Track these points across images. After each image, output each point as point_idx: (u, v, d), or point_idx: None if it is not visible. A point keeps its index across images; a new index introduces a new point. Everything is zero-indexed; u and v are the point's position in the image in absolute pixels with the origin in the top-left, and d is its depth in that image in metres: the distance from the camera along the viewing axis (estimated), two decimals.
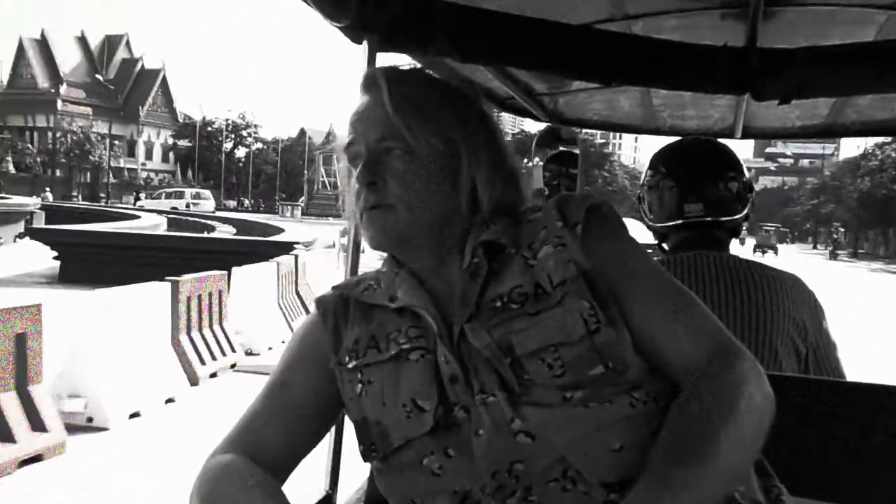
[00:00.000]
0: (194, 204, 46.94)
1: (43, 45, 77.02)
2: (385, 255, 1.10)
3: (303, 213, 57.75)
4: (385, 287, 1.07)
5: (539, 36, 1.72)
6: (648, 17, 1.96)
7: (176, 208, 41.34)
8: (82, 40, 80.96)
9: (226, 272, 7.66)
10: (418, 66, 1.16)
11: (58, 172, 70.94)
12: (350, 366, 1.04)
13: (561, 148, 2.93)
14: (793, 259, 38.37)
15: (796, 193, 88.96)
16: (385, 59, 1.51)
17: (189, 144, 78.23)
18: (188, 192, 51.37)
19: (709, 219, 1.81)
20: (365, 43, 1.50)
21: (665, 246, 1.95)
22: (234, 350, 7.40)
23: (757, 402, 0.90)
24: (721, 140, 2.12)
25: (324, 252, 17.64)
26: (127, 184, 71.79)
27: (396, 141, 1.01)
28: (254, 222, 28.09)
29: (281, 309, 8.87)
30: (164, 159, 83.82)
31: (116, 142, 77.68)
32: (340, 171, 1.10)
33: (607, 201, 1.07)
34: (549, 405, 0.91)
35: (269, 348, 7.98)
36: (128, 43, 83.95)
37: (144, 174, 79.70)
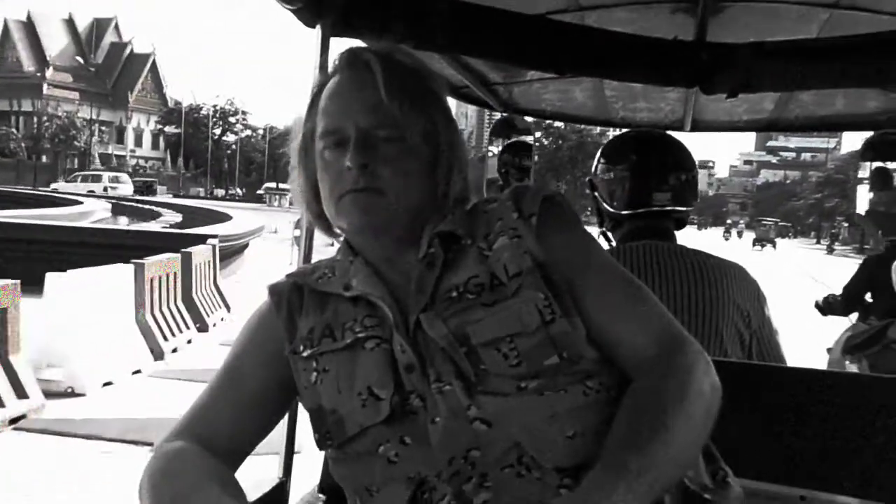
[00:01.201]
0: (112, 188, 45.06)
1: (29, 27, 74.62)
2: (337, 244, 1.10)
3: (290, 203, 55.92)
4: (339, 275, 1.06)
5: (494, 25, 1.74)
6: (601, 8, 1.98)
7: (93, 192, 39.33)
8: (70, 23, 78.39)
9: (178, 255, 8.07)
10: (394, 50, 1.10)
11: (44, 158, 69.32)
12: (305, 354, 1.04)
13: (515, 138, 2.88)
14: (791, 253, 37.50)
15: (799, 187, 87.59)
16: (339, 45, 1.48)
17: (177, 131, 76.48)
18: (105, 175, 49.36)
19: (677, 208, 1.86)
20: (318, 27, 1.48)
21: (611, 235, 1.98)
22: (188, 327, 7.90)
23: (705, 390, 0.93)
24: (670, 133, 2.21)
25: (274, 243, 16.16)
26: (115, 170, 70.21)
27: (389, 127, 1.00)
28: (199, 209, 26.58)
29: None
30: (154, 146, 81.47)
31: (104, 128, 75.95)
32: (294, 150, 1.07)
33: (561, 193, 1.10)
34: (505, 394, 0.93)
35: (107, 384, 6.20)
36: (116, 26, 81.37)
37: (134, 161, 77.94)
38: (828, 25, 1.94)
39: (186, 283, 8.19)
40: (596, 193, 1.98)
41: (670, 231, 1.89)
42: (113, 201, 28.92)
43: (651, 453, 0.85)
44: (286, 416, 1.31)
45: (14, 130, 69.80)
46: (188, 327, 7.98)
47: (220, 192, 69.98)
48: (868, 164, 2.56)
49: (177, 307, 7.83)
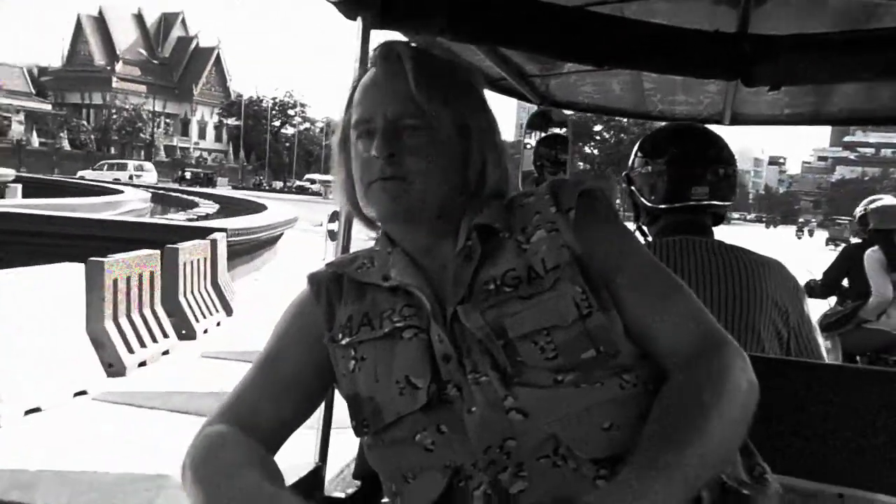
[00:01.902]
0: (137, 176, 45.21)
1: (100, 22, 76.99)
2: (377, 235, 1.12)
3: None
4: (378, 266, 1.08)
5: (532, 17, 1.74)
6: (641, 0, 1.93)
7: (118, 180, 38.98)
8: (139, 18, 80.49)
9: (157, 251, 6.82)
10: (432, 49, 1.12)
11: (112, 150, 71.24)
12: (343, 342, 1.05)
13: (551, 130, 2.83)
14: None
15: (879, 185, 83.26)
16: (379, 37, 1.49)
17: (237, 123, 77.50)
18: (131, 164, 49.67)
19: (714, 202, 1.84)
20: (359, 20, 1.49)
21: (647, 229, 1.96)
22: (166, 335, 6.71)
23: (742, 388, 0.93)
24: (709, 126, 2.11)
25: (312, 235, 15.36)
26: (179, 162, 71.62)
27: (417, 118, 1.01)
28: (237, 199, 26.07)
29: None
30: (218, 138, 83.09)
31: (169, 120, 77.64)
32: (335, 143, 1.09)
33: (600, 187, 1.08)
34: (541, 386, 0.93)
35: (32, 410, 4.90)
36: (183, 21, 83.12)
37: (197, 153, 79.44)
38: (875, 16, 1.86)
39: (169, 283, 7.04)
40: (633, 188, 1.97)
41: (707, 226, 1.87)
42: (152, 191, 28.88)
43: (688, 450, 0.85)
44: (322, 402, 1.31)
45: (84, 123, 72.01)
46: (166, 335, 6.76)
47: (279, 184, 70.51)
48: None
49: (153, 312, 6.65)
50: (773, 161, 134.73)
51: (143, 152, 68.72)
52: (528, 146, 2.80)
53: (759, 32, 1.84)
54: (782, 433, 1.47)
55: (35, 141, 68.39)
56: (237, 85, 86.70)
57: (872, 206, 4.55)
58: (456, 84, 1.06)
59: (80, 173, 45.04)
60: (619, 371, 0.95)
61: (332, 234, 14.30)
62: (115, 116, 70.97)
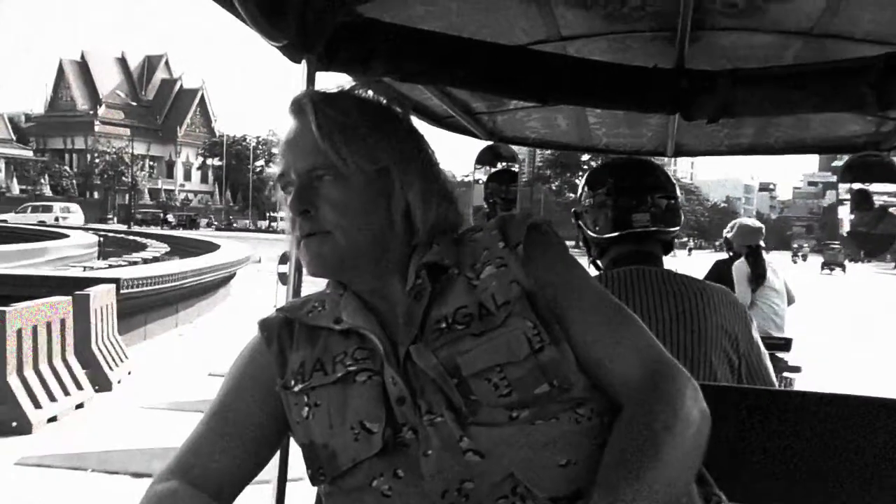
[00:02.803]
0: (63, 218, 44.47)
1: (83, 66, 76.22)
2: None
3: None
4: (330, 309, 1.06)
5: (476, 56, 1.76)
6: (582, 38, 1.99)
7: (43, 222, 38.53)
8: (122, 61, 79.77)
9: (68, 297, 6.36)
10: (348, 87, 1.11)
11: (95, 195, 70.36)
12: (296, 389, 1.03)
13: (500, 165, 2.86)
14: (863, 278, 34.78)
15: None
16: (324, 79, 1.51)
17: (220, 163, 76.75)
18: (56, 205, 48.95)
19: (653, 229, 1.87)
20: (304, 63, 1.50)
21: (599, 262, 1.99)
22: (80, 387, 6.21)
23: (694, 416, 0.93)
24: (653, 158, 2.32)
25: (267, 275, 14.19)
26: (163, 205, 70.69)
27: (327, 168, 1.00)
28: (189, 240, 25.65)
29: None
30: (203, 180, 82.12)
31: (153, 163, 76.83)
32: (279, 199, 1.07)
33: (548, 220, 1.08)
34: (497, 424, 0.92)
35: None
36: (167, 63, 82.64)
37: (183, 195, 78.58)
38: (803, 52, 1.98)
39: (81, 331, 6.51)
40: (580, 223, 2.00)
41: (656, 255, 1.90)
42: (102, 234, 27.93)
43: (644, 481, 0.85)
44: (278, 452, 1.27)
45: (67, 168, 71.20)
46: (80, 387, 6.22)
47: (264, 223, 69.55)
48: (847, 185, 2.52)
49: (65, 362, 6.12)
50: (764, 187, 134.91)
51: (126, 196, 67.83)
52: (479, 181, 2.82)
53: (696, 68, 1.92)
54: (737, 461, 1.48)
55: (15, 188, 67.45)
56: (223, 125, 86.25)
57: (734, 229, 4.92)
58: (371, 123, 1.03)
59: (2, 216, 43.49)
60: (573, 405, 0.95)
61: (282, 278, 13.00)
62: (97, 161, 70.12)
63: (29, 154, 71.21)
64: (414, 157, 1.05)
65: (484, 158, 2.83)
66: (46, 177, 69.32)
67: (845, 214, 2.53)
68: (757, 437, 1.53)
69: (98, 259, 19.29)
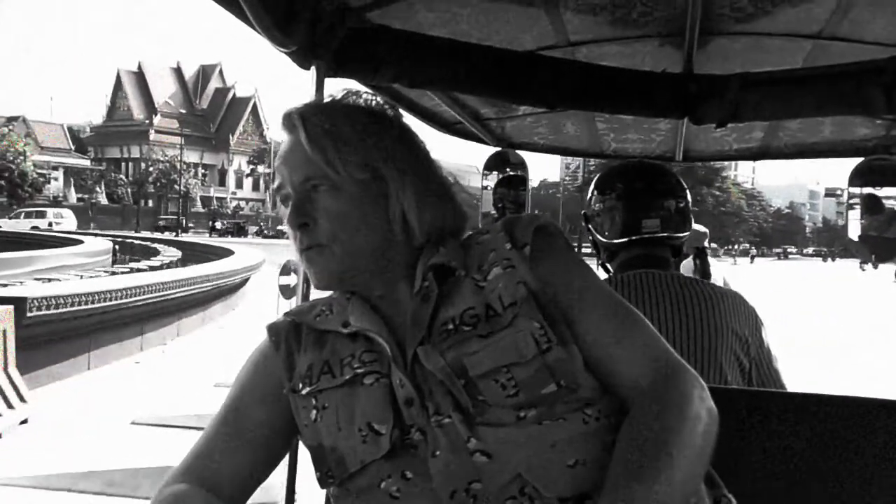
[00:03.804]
0: (56, 223, 44.96)
1: (139, 77, 77.94)
2: None
3: None
4: (337, 313, 1.06)
5: (485, 62, 1.75)
6: (591, 44, 1.99)
7: (37, 227, 38.64)
8: (177, 71, 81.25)
9: (11, 307, 5.77)
10: (339, 96, 1.12)
11: (149, 202, 71.44)
12: (304, 392, 1.03)
13: (509, 172, 2.86)
14: None
15: None
16: (334, 84, 1.50)
17: (268, 171, 76.99)
18: (50, 211, 49.46)
19: (664, 234, 1.86)
20: (313, 69, 1.50)
21: (609, 266, 1.98)
22: (24, 400, 5.65)
23: (702, 417, 0.93)
24: (663, 163, 2.29)
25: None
26: (215, 212, 71.32)
27: (320, 179, 1.01)
28: (204, 246, 24.90)
29: None
30: (255, 187, 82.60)
31: (205, 171, 77.71)
32: (280, 213, 1.08)
33: (554, 222, 1.08)
34: (504, 424, 0.92)
35: None
36: (221, 72, 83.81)
37: (234, 203, 79.26)
38: (811, 55, 1.97)
39: None
40: (590, 226, 1.99)
41: (666, 259, 1.88)
42: (119, 240, 27.73)
43: (654, 482, 0.84)
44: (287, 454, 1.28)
45: (122, 177, 72.52)
46: (24, 400, 5.58)
47: None
48: (857, 189, 2.47)
49: (6, 375, 5.47)
50: (830, 193, 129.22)
51: (179, 203, 68.66)
52: (487, 188, 2.81)
53: (704, 72, 1.92)
54: (747, 463, 1.47)
55: (73, 196, 68.97)
56: (275, 133, 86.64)
57: None
58: (361, 129, 1.03)
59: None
60: (581, 405, 0.95)
61: (284, 291, 11.66)
62: (150, 169, 71.17)
63: (86, 163, 72.79)
64: (407, 161, 1.04)
65: (492, 165, 2.81)
66: (102, 185, 70.74)
67: (855, 219, 2.48)
68: (767, 440, 1.52)
69: (112, 265, 19.04)
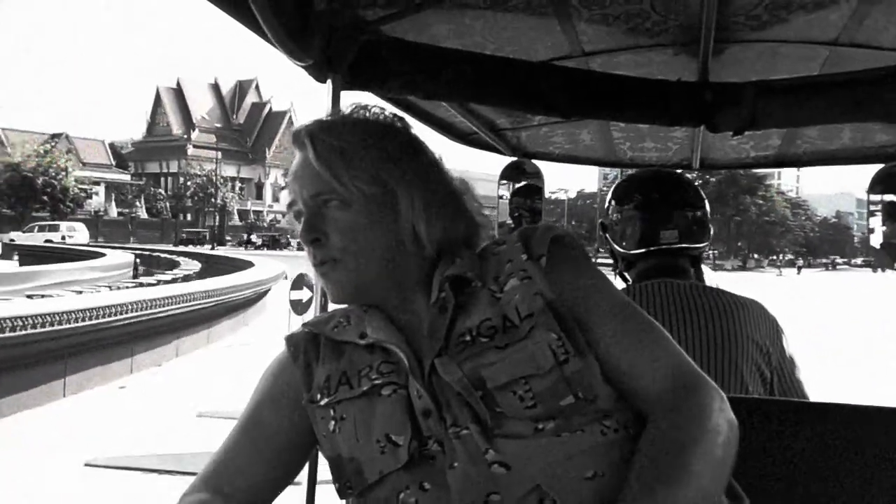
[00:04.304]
0: (69, 236, 45.63)
1: (178, 93, 79.20)
2: None
3: None
4: (354, 324, 1.07)
5: (500, 73, 1.75)
6: (605, 53, 1.98)
7: (50, 241, 38.83)
8: (215, 87, 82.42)
9: None
10: (348, 111, 1.12)
11: (188, 216, 72.09)
12: (322, 403, 1.03)
13: (525, 181, 2.84)
14: None
15: None
16: (350, 97, 1.48)
17: None
18: (63, 224, 49.73)
19: (682, 245, 1.85)
20: (329, 81, 1.51)
21: (627, 275, 1.96)
22: None
23: (722, 427, 0.92)
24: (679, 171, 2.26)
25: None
26: (251, 226, 71.65)
27: (330, 194, 1.02)
28: (224, 258, 24.41)
29: None
30: None
31: (242, 185, 78.35)
32: (295, 231, 1.09)
33: (570, 232, 1.10)
34: (522, 436, 0.92)
35: None
36: (257, 87, 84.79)
37: (271, 216, 79.67)
38: (829, 62, 1.94)
39: None
40: (607, 235, 1.98)
41: (685, 269, 1.86)
42: (138, 252, 27.57)
43: (673, 494, 0.84)
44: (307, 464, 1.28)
45: (161, 191, 73.42)
46: None
47: None
48: (878, 196, 2.43)
49: None
50: None
51: (216, 217, 69.09)
52: (503, 198, 2.77)
53: (720, 80, 1.89)
54: (768, 474, 1.45)
55: (113, 211, 69.94)
56: None
57: None
58: (368, 144, 1.03)
59: (11, 235, 44.29)
60: (598, 417, 0.94)
61: (296, 306, 10.91)
62: (188, 184, 71.90)
63: (126, 178, 73.93)
64: (416, 172, 1.04)
65: (508, 174, 2.79)
66: (142, 200, 71.66)
67: (877, 226, 2.43)
68: (790, 451, 1.49)
69: (133, 278, 18.80)
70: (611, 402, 0.95)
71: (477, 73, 1.71)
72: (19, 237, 42.78)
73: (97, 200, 68.62)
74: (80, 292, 11.18)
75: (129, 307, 7.71)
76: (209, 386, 7.68)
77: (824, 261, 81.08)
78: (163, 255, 27.06)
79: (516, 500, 0.88)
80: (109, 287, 14.45)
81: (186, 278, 15.48)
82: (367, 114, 1.09)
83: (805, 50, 1.90)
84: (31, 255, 23.76)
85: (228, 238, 64.82)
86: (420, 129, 1.12)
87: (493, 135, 2.56)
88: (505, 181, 2.79)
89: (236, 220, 72.13)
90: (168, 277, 15.66)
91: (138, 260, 22.43)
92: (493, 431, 0.91)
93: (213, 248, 47.64)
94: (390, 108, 1.12)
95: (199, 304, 9.75)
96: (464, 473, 0.90)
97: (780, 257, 70.22)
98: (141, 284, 13.25)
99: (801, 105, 1.78)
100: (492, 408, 0.92)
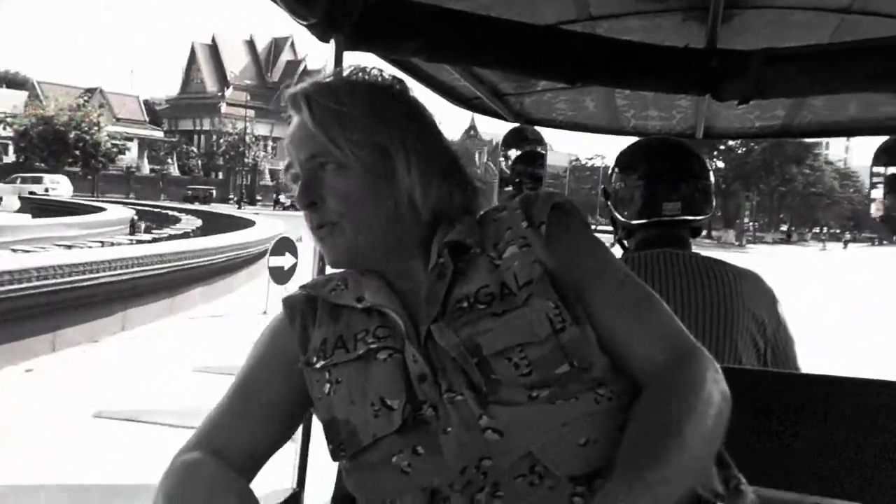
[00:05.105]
0: (52, 189, 44.56)
1: (213, 49, 78.41)
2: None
3: None
4: (352, 287, 1.07)
5: (505, 36, 1.73)
6: (612, 18, 1.96)
7: (34, 193, 37.96)
8: (250, 44, 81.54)
9: None
10: (345, 73, 1.12)
11: (219, 174, 71.83)
12: (318, 365, 1.04)
13: (527, 148, 2.84)
14: None
15: None
16: (352, 58, 1.50)
17: None
18: (46, 177, 48.55)
19: (686, 217, 1.83)
20: (332, 41, 1.50)
21: (626, 243, 1.95)
22: None
23: (715, 398, 0.93)
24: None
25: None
26: (281, 186, 71.17)
27: (326, 157, 1.01)
28: (224, 216, 23.94)
29: None
30: None
31: (274, 144, 77.78)
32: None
33: (570, 200, 1.07)
34: (516, 403, 0.92)
35: None
36: (292, 45, 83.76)
37: None
38: (839, 31, 1.92)
39: None
40: (609, 203, 1.96)
41: (684, 239, 1.85)
42: (139, 207, 26.94)
43: (665, 462, 0.85)
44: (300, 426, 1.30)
45: (193, 149, 73.13)
46: None
47: None
48: (882, 168, 2.42)
49: None
50: None
51: (247, 176, 68.63)
52: (504, 164, 2.75)
53: (728, 48, 1.86)
54: (758, 444, 1.46)
55: (146, 167, 69.86)
56: None
57: None
58: (367, 109, 1.02)
59: (31, 187, 43.61)
60: (593, 385, 0.94)
61: (277, 275, 9.75)
62: (220, 142, 71.46)
63: (159, 135, 73.72)
64: (414, 137, 1.04)
65: (510, 141, 2.77)
66: (174, 157, 71.44)
67: (879, 198, 2.42)
68: (779, 421, 1.51)
69: (129, 234, 17.94)
70: (606, 371, 0.96)
71: (482, 35, 1.69)
72: (2, 189, 40.75)
73: (130, 157, 68.45)
74: (71, 247, 10.27)
75: (55, 271, 6.57)
76: (107, 382, 6.22)
77: (871, 235, 77.89)
78: (163, 212, 26.29)
79: (509, 465, 0.90)
80: (102, 243, 13.74)
81: (180, 237, 14.63)
82: (366, 76, 1.08)
83: (816, 18, 1.87)
84: (44, 210, 23.64)
85: (259, 197, 64.32)
86: (422, 93, 1.12)
87: (495, 100, 2.54)
88: (506, 147, 2.77)
89: (267, 180, 71.66)
90: (146, 237, 14.68)
91: (135, 217, 21.68)
92: (487, 398, 0.92)
93: (239, 208, 46.99)
94: (390, 71, 1.11)
95: (150, 269, 8.05)
96: (457, 438, 0.91)
97: (825, 230, 67.41)
98: (116, 244, 12.35)
99: (810, 74, 1.76)
100: (487, 374, 0.93)
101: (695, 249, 1.85)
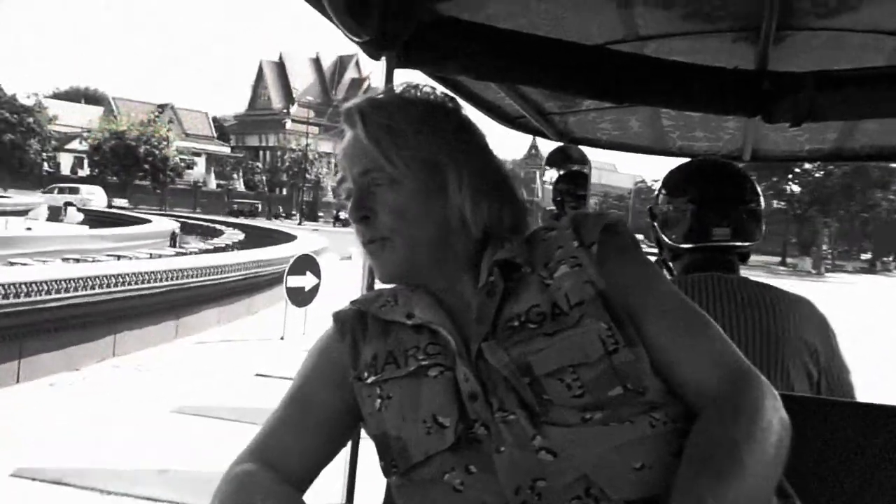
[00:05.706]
0: (88, 200, 45.54)
1: (280, 67, 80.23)
2: None
3: None
4: (402, 304, 1.07)
5: (552, 55, 1.73)
6: (660, 38, 1.95)
7: (71, 203, 38.02)
8: (316, 62, 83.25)
9: None
10: (398, 89, 1.13)
11: (284, 191, 72.61)
12: (369, 381, 1.04)
13: (571, 167, 2.82)
14: None
15: None
16: (403, 75, 1.49)
17: None
18: (83, 188, 50.12)
19: (736, 243, 1.80)
20: (383, 59, 1.52)
21: (671, 265, 1.92)
22: None
23: (775, 425, 0.91)
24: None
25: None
26: (341, 203, 71.50)
27: (379, 172, 1.01)
28: (265, 230, 24.64)
29: None
30: None
31: (335, 160, 78.34)
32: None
33: (622, 220, 1.06)
34: (569, 425, 0.91)
35: None
36: (357, 62, 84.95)
37: None
38: (895, 54, 1.89)
39: None
40: (655, 224, 1.94)
41: (733, 264, 1.82)
42: (181, 220, 27.25)
43: (727, 489, 0.82)
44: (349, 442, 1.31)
45: (258, 164, 74.19)
46: None
47: None
48: None
49: None
50: None
51: (311, 192, 69.10)
52: (548, 183, 2.76)
53: (778, 70, 1.84)
54: (818, 474, 1.42)
55: (213, 182, 71.09)
56: None
57: None
58: (418, 123, 1.03)
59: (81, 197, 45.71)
60: (647, 409, 0.93)
61: (295, 296, 8.78)
62: (284, 158, 72.34)
63: (226, 150, 75.25)
64: (465, 154, 1.04)
65: (554, 160, 2.76)
66: (240, 172, 72.56)
67: None
68: (840, 452, 1.46)
69: (173, 246, 18.31)
70: (660, 395, 0.94)
71: (531, 54, 1.69)
72: (43, 198, 40.85)
73: (197, 171, 69.93)
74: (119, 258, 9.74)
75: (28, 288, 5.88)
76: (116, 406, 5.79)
77: None
78: (208, 225, 26.37)
79: (563, 486, 0.88)
80: (150, 255, 13.26)
81: (216, 250, 14.05)
82: (419, 93, 1.09)
83: (871, 40, 1.85)
84: (99, 221, 24.21)
85: (321, 214, 64.57)
86: (464, 110, 1.11)
87: (540, 118, 2.54)
88: (550, 166, 2.76)
89: (329, 196, 72.02)
90: (170, 252, 14.02)
91: (175, 231, 21.66)
92: (539, 418, 0.91)
93: (300, 224, 47.03)
94: (441, 89, 1.11)
95: (148, 288, 7.20)
96: (511, 458, 0.91)
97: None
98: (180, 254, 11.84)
99: (864, 97, 1.73)
100: (539, 395, 0.92)
101: (770, 277, 1.78)
